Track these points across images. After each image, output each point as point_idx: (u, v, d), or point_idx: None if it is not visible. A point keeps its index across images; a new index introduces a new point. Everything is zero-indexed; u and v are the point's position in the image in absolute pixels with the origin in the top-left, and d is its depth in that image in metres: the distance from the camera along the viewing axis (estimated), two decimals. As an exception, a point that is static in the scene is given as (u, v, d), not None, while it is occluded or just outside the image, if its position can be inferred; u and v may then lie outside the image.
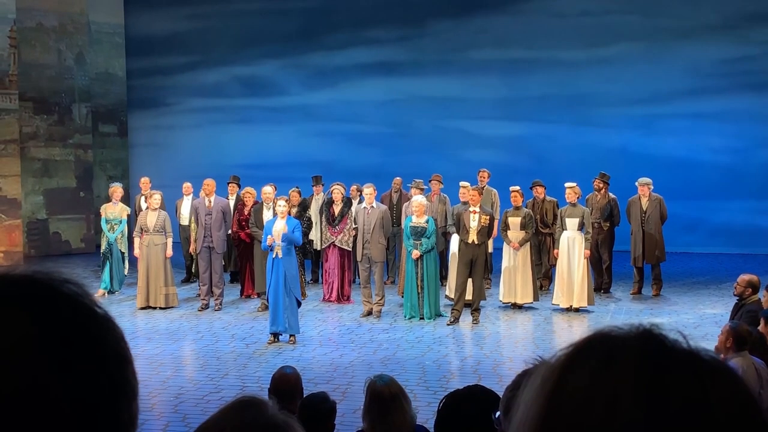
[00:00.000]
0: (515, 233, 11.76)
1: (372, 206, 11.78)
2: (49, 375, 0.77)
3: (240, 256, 13.01)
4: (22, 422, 0.75)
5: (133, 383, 0.84)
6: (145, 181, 14.10)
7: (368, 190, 11.87)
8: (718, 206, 17.08)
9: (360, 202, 12.57)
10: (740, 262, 14.30)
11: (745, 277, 7.85)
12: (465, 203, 11.67)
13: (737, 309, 7.85)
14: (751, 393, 0.77)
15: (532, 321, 11.27)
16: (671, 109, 17.24)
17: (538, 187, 13.11)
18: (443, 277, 12.61)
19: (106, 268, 12.93)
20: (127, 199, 14.50)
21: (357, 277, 12.65)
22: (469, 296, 11.11)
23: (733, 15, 17.03)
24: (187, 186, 13.95)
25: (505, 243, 11.82)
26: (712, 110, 16.98)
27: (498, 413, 1.59)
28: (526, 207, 12.32)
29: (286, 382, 4.72)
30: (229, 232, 12.66)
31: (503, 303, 11.88)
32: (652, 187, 12.84)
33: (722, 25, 17.05)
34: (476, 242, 10.97)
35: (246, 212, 12.51)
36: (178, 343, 10.12)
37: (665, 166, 16.46)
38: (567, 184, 12.05)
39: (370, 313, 11.40)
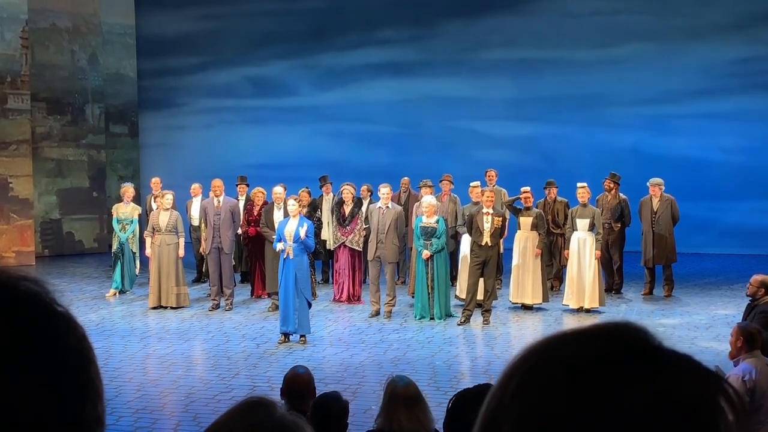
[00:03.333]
0: (525, 233, 11.74)
1: (387, 206, 11.74)
2: (6, 379, 0.73)
3: (250, 256, 13.04)
4: None
5: (97, 384, 0.81)
6: (155, 181, 14.14)
7: (384, 190, 11.82)
8: (730, 206, 17.00)
9: (371, 202, 12.56)
10: (752, 262, 14.22)
11: (757, 278, 7.81)
12: (476, 203, 11.65)
13: (750, 310, 7.81)
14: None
15: (543, 322, 11.25)
16: (683, 109, 17.18)
17: (551, 188, 13.09)
18: (453, 278, 12.60)
19: (118, 268, 12.98)
20: (138, 199, 14.55)
21: (367, 277, 12.66)
22: (479, 296, 11.10)
23: (745, 15, 16.95)
24: (195, 187, 13.95)
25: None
26: (724, 110, 16.91)
27: None
28: (537, 207, 12.30)
29: (298, 382, 4.73)
30: (239, 232, 12.68)
31: (513, 303, 11.86)
32: (663, 188, 12.79)
33: (734, 25, 16.97)
34: (489, 244, 10.96)
35: (255, 212, 12.53)
36: (189, 343, 10.15)
37: (677, 166, 16.40)
38: (579, 185, 12.01)
39: (377, 313, 11.39)
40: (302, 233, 9.83)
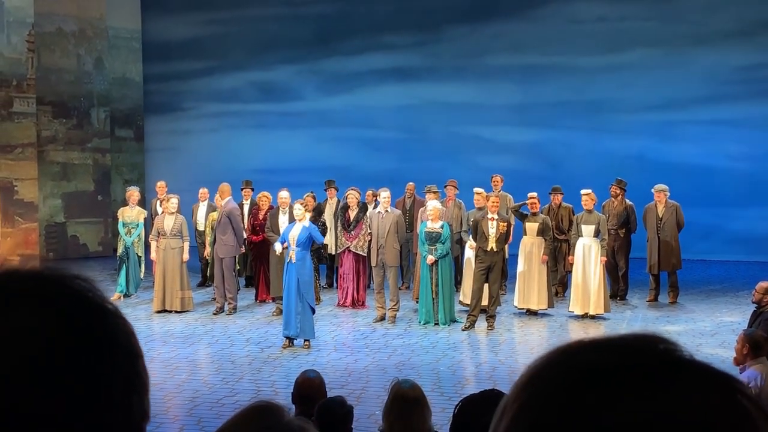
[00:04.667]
0: (531, 239, 11.74)
1: (386, 210, 11.78)
2: (64, 372, 0.77)
3: (254, 261, 13.05)
4: (36, 417, 0.75)
5: (144, 378, 0.85)
6: (161, 185, 14.16)
7: (384, 194, 11.86)
8: (736, 213, 16.97)
9: (375, 207, 12.58)
10: (757, 269, 14.18)
11: (763, 285, 7.79)
12: (480, 209, 11.65)
13: (755, 317, 7.79)
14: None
15: (548, 328, 11.23)
16: (688, 116, 17.15)
17: (557, 194, 13.07)
18: (458, 283, 12.59)
19: (123, 272, 12.98)
20: (143, 203, 14.58)
21: (372, 282, 12.65)
22: (484, 302, 11.08)
23: (751, 22, 16.94)
24: (203, 192, 13.97)
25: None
26: (730, 117, 16.89)
27: None
28: (542, 213, 12.29)
29: (309, 386, 4.73)
30: (245, 237, 12.70)
31: (518, 309, 11.84)
32: (668, 194, 12.77)
33: (740, 32, 16.96)
34: (495, 249, 10.95)
35: (261, 217, 12.55)
36: (193, 347, 10.15)
37: (682, 173, 16.37)
38: (583, 191, 12.00)
39: (382, 318, 11.39)
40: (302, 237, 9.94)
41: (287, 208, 11.56)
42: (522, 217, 11.87)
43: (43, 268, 0.85)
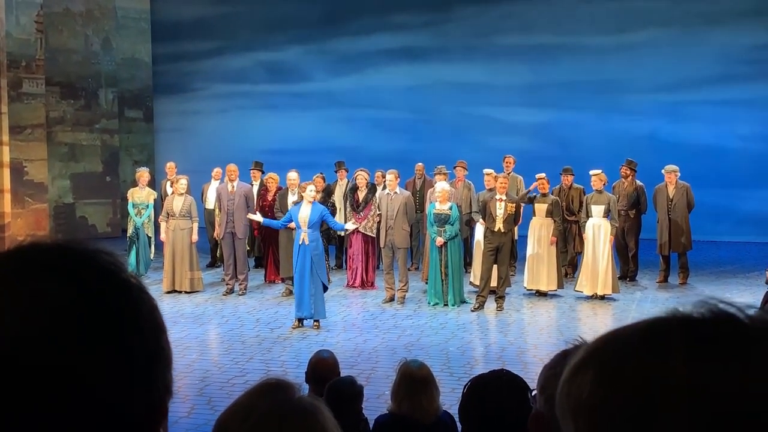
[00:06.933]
0: (540, 220, 11.70)
1: (395, 192, 11.78)
2: (88, 344, 0.78)
3: (264, 242, 13.06)
4: (63, 389, 0.76)
5: (168, 352, 0.85)
6: (170, 166, 14.16)
7: (390, 177, 11.86)
8: (747, 194, 16.87)
9: (384, 188, 12.55)
10: (768, 251, 14.12)
11: (774, 266, 7.74)
12: (491, 190, 11.62)
13: None
14: None
15: (557, 308, 11.22)
16: (700, 96, 17.02)
17: (567, 175, 13.02)
18: (468, 264, 12.58)
19: (133, 252, 13.01)
20: (152, 184, 14.59)
21: (381, 263, 12.65)
22: (494, 283, 11.07)
23: (764, 0, 16.75)
24: (216, 171, 13.95)
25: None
26: (742, 97, 16.75)
27: (534, 392, 1.58)
28: (552, 194, 12.25)
29: (323, 366, 4.74)
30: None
31: (527, 290, 11.83)
32: (678, 175, 12.70)
33: (753, 11, 16.78)
34: (502, 230, 10.92)
35: (269, 198, 12.55)
36: (203, 327, 10.19)
37: (693, 154, 16.27)
38: (592, 172, 11.95)
39: (392, 299, 11.39)
40: (349, 226, 10.53)
41: (296, 189, 11.54)
42: (531, 200, 11.83)
43: (68, 241, 0.85)
